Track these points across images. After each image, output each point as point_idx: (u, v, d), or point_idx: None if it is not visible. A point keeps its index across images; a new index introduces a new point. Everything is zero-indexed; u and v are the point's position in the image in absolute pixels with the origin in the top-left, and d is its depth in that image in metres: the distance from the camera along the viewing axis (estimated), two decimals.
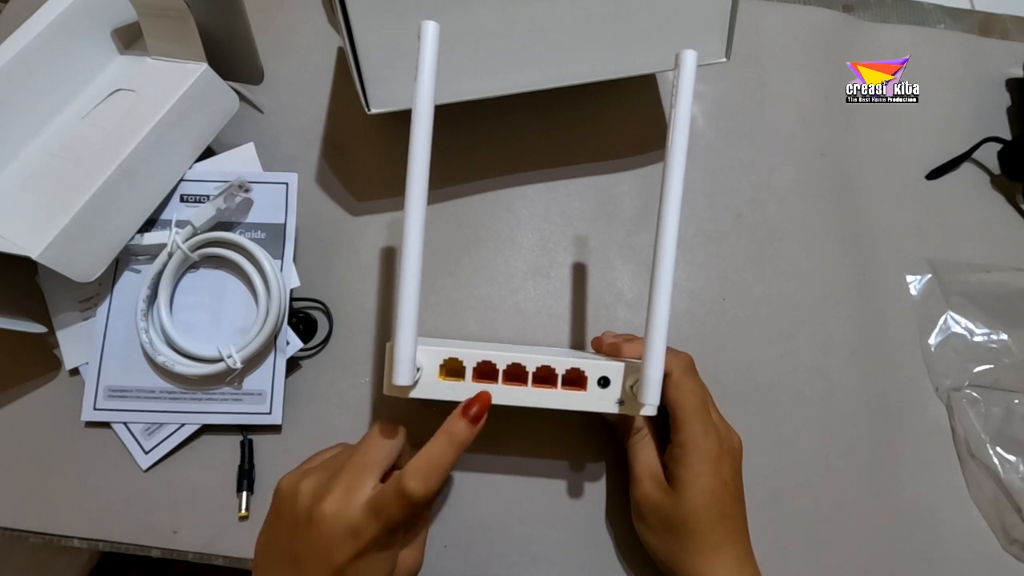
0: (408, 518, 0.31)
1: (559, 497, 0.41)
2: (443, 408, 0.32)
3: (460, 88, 0.40)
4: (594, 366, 0.33)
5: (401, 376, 0.30)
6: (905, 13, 0.56)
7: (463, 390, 0.32)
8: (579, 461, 0.42)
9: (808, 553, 0.41)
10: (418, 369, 0.32)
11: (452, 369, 0.33)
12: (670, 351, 0.35)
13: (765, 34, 0.54)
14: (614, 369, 0.33)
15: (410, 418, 0.36)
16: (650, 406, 0.32)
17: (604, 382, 0.33)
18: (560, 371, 0.33)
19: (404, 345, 0.30)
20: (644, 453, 0.37)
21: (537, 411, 0.33)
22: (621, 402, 0.33)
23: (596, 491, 0.42)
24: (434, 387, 0.33)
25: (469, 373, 0.33)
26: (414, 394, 0.32)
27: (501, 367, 0.33)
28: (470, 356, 0.32)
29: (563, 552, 0.40)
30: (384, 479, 0.33)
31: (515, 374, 0.33)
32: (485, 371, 0.33)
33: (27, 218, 0.38)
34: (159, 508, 0.41)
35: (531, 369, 0.33)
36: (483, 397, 0.32)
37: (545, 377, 0.33)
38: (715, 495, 0.34)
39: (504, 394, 0.33)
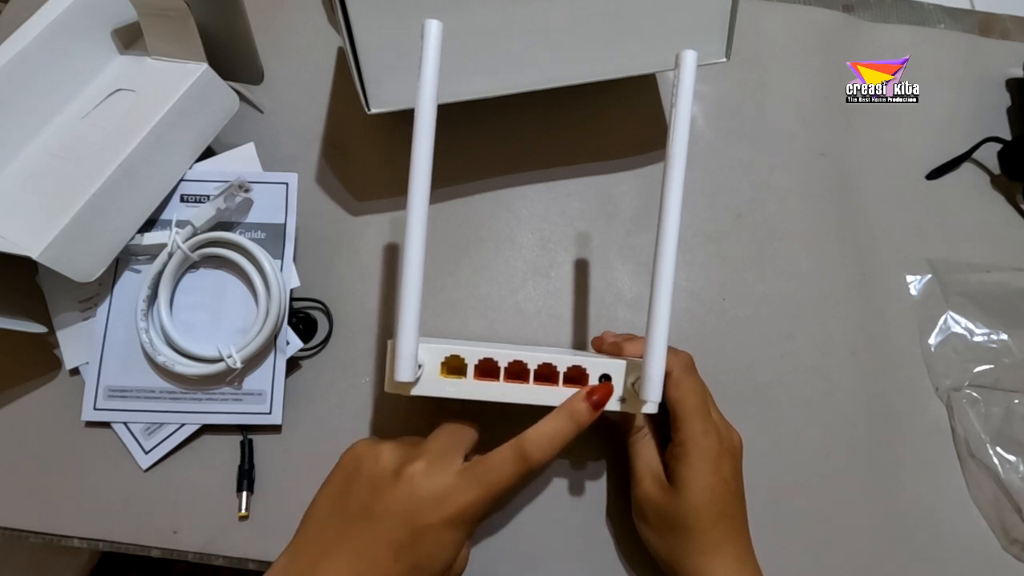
0: (510, 486, 0.31)
1: (559, 496, 0.41)
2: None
3: (461, 88, 0.40)
4: (595, 364, 0.33)
5: (403, 372, 0.30)
6: (905, 13, 0.56)
7: (464, 387, 0.32)
8: (580, 460, 0.42)
9: (808, 553, 0.41)
10: (419, 366, 0.32)
11: (453, 367, 0.33)
12: (670, 350, 0.35)
13: (765, 34, 0.54)
14: (615, 367, 0.33)
15: (411, 419, 0.36)
16: (651, 403, 0.32)
17: (605, 380, 0.33)
18: (561, 369, 0.33)
19: (406, 341, 0.30)
20: (645, 452, 0.37)
21: (539, 409, 0.33)
22: (622, 400, 0.33)
23: (597, 490, 0.42)
24: (435, 384, 0.33)
25: (471, 371, 0.33)
26: (415, 391, 0.32)
27: (503, 365, 0.33)
28: (472, 353, 0.32)
29: (563, 552, 0.40)
30: None
31: (517, 372, 0.33)
32: (487, 369, 0.33)
33: (27, 218, 0.38)
34: (159, 508, 0.40)
35: (532, 367, 0.33)
36: (606, 387, 0.32)
37: (547, 375, 0.33)
38: (715, 494, 0.34)
39: (505, 392, 0.33)
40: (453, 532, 0.30)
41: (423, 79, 0.30)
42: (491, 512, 0.40)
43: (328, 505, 0.32)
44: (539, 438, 0.31)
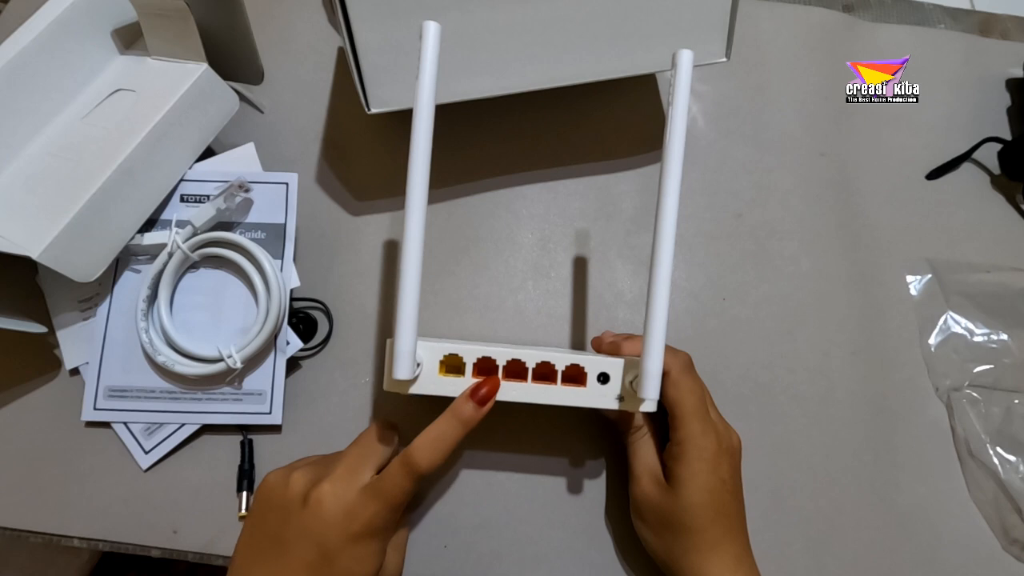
0: (408, 496, 0.31)
1: (559, 495, 0.41)
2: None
3: (460, 88, 0.40)
4: (594, 362, 0.33)
5: (401, 370, 0.30)
6: (905, 13, 0.56)
7: (463, 386, 0.32)
8: (579, 458, 0.42)
9: (808, 553, 0.41)
10: (418, 365, 0.32)
11: (452, 365, 0.33)
12: (669, 350, 0.35)
13: (765, 34, 0.54)
14: (614, 365, 0.33)
15: (410, 418, 0.37)
16: (650, 401, 0.32)
17: (604, 378, 0.33)
18: (560, 367, 0.33)
19: (404, 339, 0.30)
20: (643, 451, 0.37)
21: (537, 408, 0.33)
22: (621, 398, 0.33)
23: (596, 489, 0.42)
24: (434, 383, 0.33)
25: (469, 369, 0.33)
26: (414, 390, 0.32)
27: (501, 363, 0.33)
28: (470, 352, 0.33)
29: (563, 552, 0.40)
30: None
31: (515, 370, 0.33)
32: (485, 367, 0.33)
33: (27, 218, 0.38)
34: (159, 508, 0.41)
35: (531, 365, 0.33)
36: (492, 381, 0.32)
37: (545, 373, 0.33)
38: (713, 493, 0.34)
39: (504, 390, 0.33)
40: (364, 545, 0.31)
41: (421, 81, 0.30)
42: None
43: (248, 538, 0.33)
44: (423, 446, 0.31)
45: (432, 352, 0.33)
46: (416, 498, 0.41)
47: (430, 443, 0.31)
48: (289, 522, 0.31)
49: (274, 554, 0.31)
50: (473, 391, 0.32)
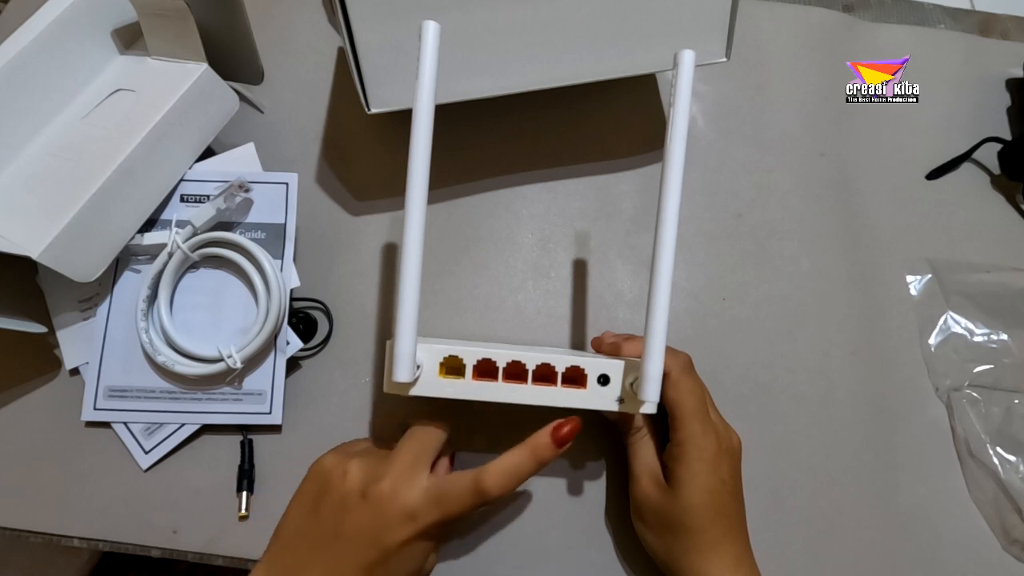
0: (467, 514, 0.31)
1: (559, 496, 0.41)
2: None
3: (460, 88, 0.40)
4: (594, 364, 0.33)
5: (401, 372, 0.30)
6: (905, 13, 0.56)
7: (463, 388, 0.32)
8: (579, 460, 0.42)
9: (808, 553, 0.41)
10: (418, 367, 0.32)
11: (452, 367, 0.33)
12: (669, 351, 0.35)
13: (765, 34, 0.54)
14: (614, 367, 0.33)
15: (411, 419, 0.36)
16: (650, 403, 0.32)
17: (604, 380, 0.33)
18: (560, 369, 0.33)
19: (404, 341, 0.30)
20: (643, 452, 0.37)
21: (537, 409, 0.33)
22: (621, 400, 0.33)
23: (596, 490, 0.42)
24: (434, 385, 0.33)
25: (469, 371, 0.33)
26: (414, 391, 0.32)
27: (501, 365, 0.33)
28: (470, 354, 0.33)
29: (563, 552, 0.40)
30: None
31: (515, 372, 0.33)
32: (485, 369, 0.33)
33: (27, 218, 0.38)
34: (159, 508, 0.41)
35: (531, 367, 0.33)
36: (573, 422, 0.32)
37: (545, 375, 0.33)
38: (713, 494, 0.34)
39: (504, 392, 0.33)
40: (419, 544, 0.31)
41: (421, 80, 0.30)
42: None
43: (299, 520, 0.33)
44: (498, 474, 0.31)
45: (432, 354, 0.33)
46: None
47: (505, 473, 0.31)
48: (348, 516, 0.31)
49: (330, 545, 0.31)
50: (555, 430, 0.32)
